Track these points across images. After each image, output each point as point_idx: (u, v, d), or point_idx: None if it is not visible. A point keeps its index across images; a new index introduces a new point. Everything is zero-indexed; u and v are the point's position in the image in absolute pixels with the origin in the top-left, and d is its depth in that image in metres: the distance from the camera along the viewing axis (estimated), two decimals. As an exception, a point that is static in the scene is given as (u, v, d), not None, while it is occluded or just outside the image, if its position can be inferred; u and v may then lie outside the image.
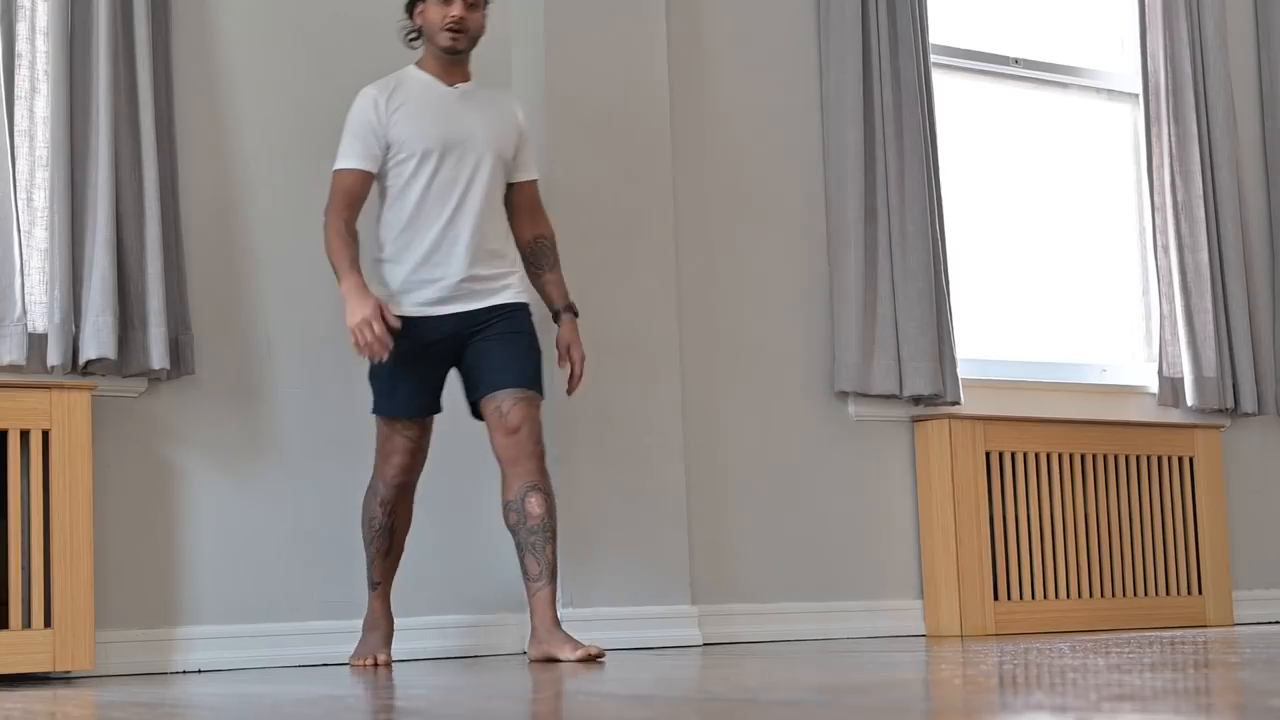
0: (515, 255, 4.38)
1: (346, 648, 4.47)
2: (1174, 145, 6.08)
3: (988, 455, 5.46)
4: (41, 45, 4.35)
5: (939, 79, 5.71)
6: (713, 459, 5.15)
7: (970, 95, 5.94)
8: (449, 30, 4.27)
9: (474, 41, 4.34)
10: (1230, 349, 6.06)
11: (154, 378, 4.37)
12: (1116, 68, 6.25)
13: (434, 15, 4.29)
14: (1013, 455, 5.52)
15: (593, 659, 4.04)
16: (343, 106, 4.70)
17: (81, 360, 4.22)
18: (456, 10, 4.27)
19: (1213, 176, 6.13)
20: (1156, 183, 6.08)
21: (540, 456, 4.22)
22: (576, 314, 4.43)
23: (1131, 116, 6.26)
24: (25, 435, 4.11)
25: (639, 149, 5.00)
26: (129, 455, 4.37)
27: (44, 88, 4.33)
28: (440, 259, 4.24)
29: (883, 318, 5.37)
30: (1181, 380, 5.98)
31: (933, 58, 5.64)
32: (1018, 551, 5.49)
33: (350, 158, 4.27)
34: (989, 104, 6.00)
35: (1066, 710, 2.03)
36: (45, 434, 4.11)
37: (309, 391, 4.61)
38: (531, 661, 4.16)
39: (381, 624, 4.36)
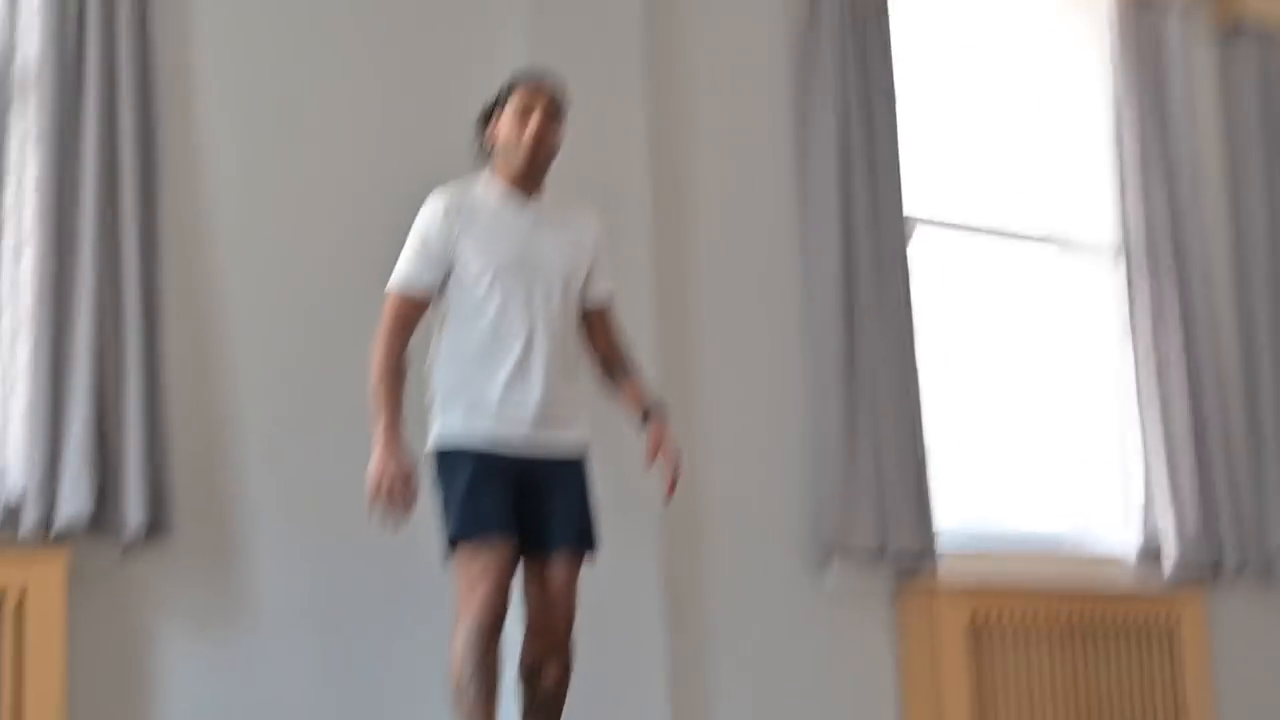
0: (583, 379, 4.22)
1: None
2: (1152, 306, 6.11)
3: (969, 625, 5.40)
4: (29, 201, 4.33)
5: (919, 243, 5.74)
6: (694, 623, 5.09)
7: (949, 258, 5.96)
8: (526, 148, 4.09)
9: (552, 157, 4.16)
10: (1212, 510, 6.04)
11: (132, 538, 4.31)
12: (1094, 230, 6.29)
13: (510, 129, 4.12)
14: (995, 626, 5.46)
15: None
16: (330, 266, 4.71)
17: (58, 523, 4.17)
18: (536, 125, 4.10)
19: (1191, 336, 6.15)
20: (1134, 343, 6.09)
21: (572, 623, 4.06)
22: (665, 413, 4.24)
23: (1109, 277, 6.28)
24: (-1, 599, 4.05)
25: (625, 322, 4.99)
26: (104, 621, 4.30)
27: (30, 245, 4.32)
28: (516, 385, 4.03)
29: (865, 477, 5.34)
30: (1163, 545, 5.94)
31: (911, 223, 5.67)
32: (1001, 721, 5.43)
33: (412, 276, 4.06)
34: (968, 266, 6.02)
35: None
36: (20, 599, 4.05)
37: (289, 553, 4.55)
38: None
39: None
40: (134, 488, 4.25)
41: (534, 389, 4.04)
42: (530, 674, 4.07)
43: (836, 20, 5.54)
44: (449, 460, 4.05)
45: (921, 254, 5.79)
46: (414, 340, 4.10)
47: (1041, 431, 6.09)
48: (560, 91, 4.19)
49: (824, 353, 5.40)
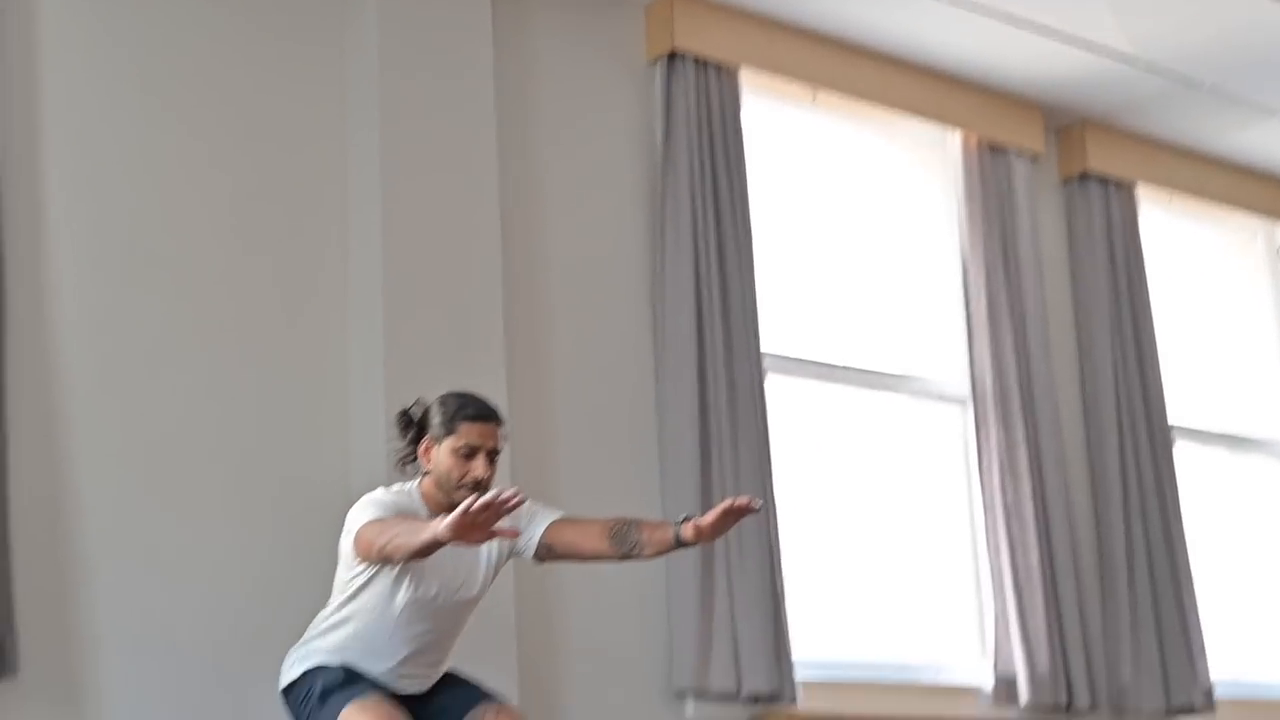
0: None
1: None
2: (1002, 448, 6.24)
3: (827, 757, 5.44)
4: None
5: (773, 380, 5.82)
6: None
7: (803, 397, 6.05)
8: (465, 489, 3.98)
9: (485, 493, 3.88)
10: (1063, 646, 6.14)
11: (-24, 681, 4.25)
12: (944, 374, 6.42)
13: (449, 465, 4.05)
14: (851, 757, 5.50)
15: None
16: (174, 391, 4.68)
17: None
18: (479, 471, 4.04)
19: (1041, 478, 6.28)
20: (986, 484, 6.23)
21: None
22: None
23: (961, 419, 6.41)
24: None
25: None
26: (-53, 762, 4.23)
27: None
28: (391, 676, 4.08)
29: (720, 615, 5.37)
30: (1015, 679, 6.03)
31: (766, 361, 5.76)
32: None
33: (376, 514, 3.99)
34: (822, 406, 6.12)
35: None
36: None
37: (139, 692, 4.50)
38: None
39: None
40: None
41: (409, 682, 4.11)
42: None
43: (690, 162, 5.64)
44: (309, 675, 4.08)
45: (777, 393, 5.88)
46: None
47: (897, 569, 6.16)
48: (503, 427, 4.17)
49: (680, 492, 5.44)
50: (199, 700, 4.56)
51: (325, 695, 4.00)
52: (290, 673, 4.12)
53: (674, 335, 5.54)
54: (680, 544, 4.10)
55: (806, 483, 5.99)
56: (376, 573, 4.05)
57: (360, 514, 4.03)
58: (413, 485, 4.15)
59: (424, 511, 4.08)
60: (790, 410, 5.99)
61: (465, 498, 3.78)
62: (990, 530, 6.19)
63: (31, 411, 4.50)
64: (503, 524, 3.76)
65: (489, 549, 4.17)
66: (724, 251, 5.66)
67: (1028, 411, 6.31)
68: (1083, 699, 6.13)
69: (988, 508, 6.21)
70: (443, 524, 3.68)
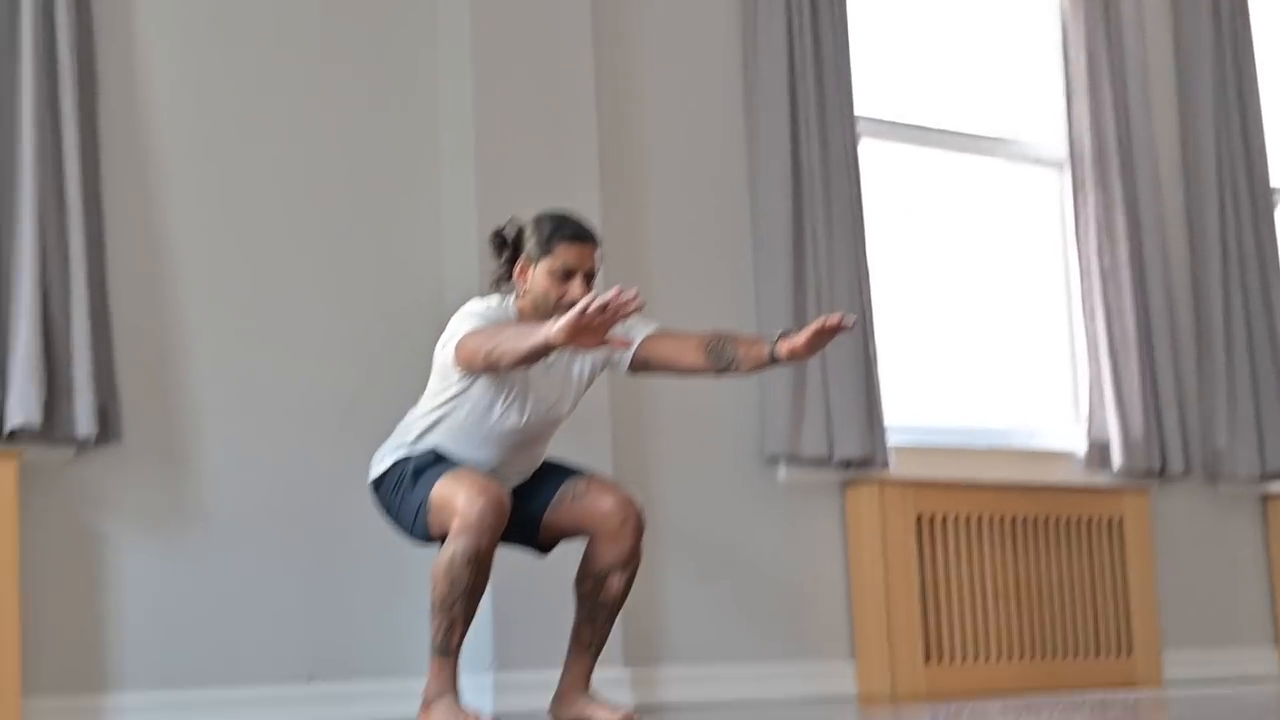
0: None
1: (278, 713, 4.45)
2: (1099, 211, 6.16)
3: (918, 519, 5.49)
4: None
5: (867, 145, 5.76)
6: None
7: (898, 161, 5.99)
8: (564, 310, 3.79)
9: None
10: (1157, 412, 6.12)
11: (82, 444, 4.34)
12: (1042, 136, 6.33)
13: (545, 286, 3.99)
14: (943, 519, 5.55)
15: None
16: (269, 176, 4.73)
17: (7, 428, 4.19)
18: (576, 292, 3.95)
19: (1139, 242, 6.20)
20: (1083, 248, 6.16)
21: (642, 531, 4.08)
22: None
23: (1057, 183, 6.34)
24: (-49, 503, 4.08)
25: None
26: (56, 521, 4.33)
27: (-31, 157, 4.32)
28: (485, 466, 4.06)
29: (813, 382, 5.39)
30: (1109, 444, 6.03)
31: (860, 125, 5.69)
32: (949, 614, 5.52)
33: (478, 323, 3.95)
34: (917, 171, 6.06)
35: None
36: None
37: (239, 456, 4.59)
38: None
39: (455, 687, 3.95)
40: (82, 398, 4.25)
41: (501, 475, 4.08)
42: (594, 581, 4.09)
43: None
44: (399, 463, 4.07)
45: (872, 158, 5.82)
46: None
47: (991, 334, 6.14)
48: (599, 248, 4.09)
49: (773, 260, 5.42)
50: (294, 465, 4.65)
51: (418, 473, 4.02)
52: (379, 466, 4.14)
53: (767, 100, 5.47)
54: (775, 361, 4.05)
55: (900, 248, 5.95)
56: (471, 385, 4.02)
57: (461, 324, 3.99)
58: (509, 300, 4.10)
59: None
60: (884, 175, 5.92)
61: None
62: (1086, 295, 6.14)
63: (128, 187, 4.54)
64: (615, 331, 3.72)
65: (581, 365, 4.15)
66: (818, 11, 5.55)
67: (1126, 174, 6.21)
68: (1176, 464, 6.13)
69: (1084, 272, 6.16)
70: (555, 326, 3.63)
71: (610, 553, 4.07)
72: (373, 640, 4.68)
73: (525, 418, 4.07)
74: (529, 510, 4.11)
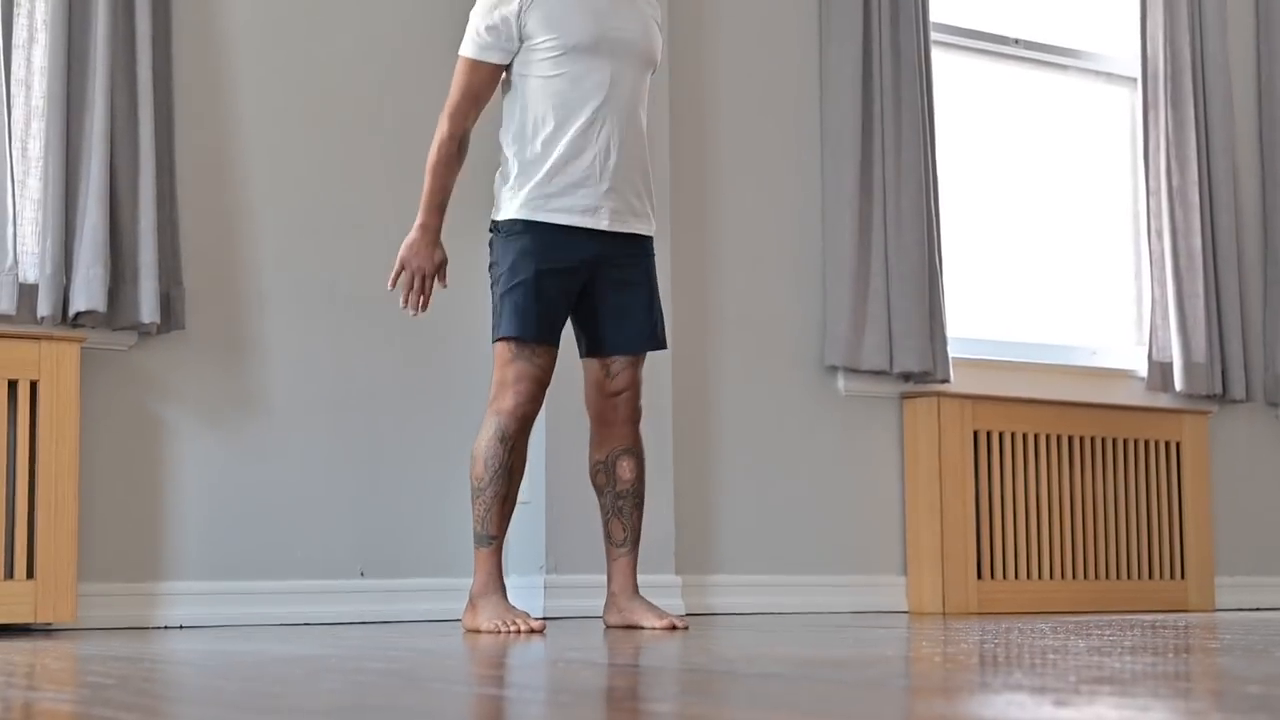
0: (650, 182, 4.13)
1: (329, 608, 4.49)
2: (1171, 131, 6.08)
3: (975, 434, 5.47)
4: (40, -5, 4.33)
5: (938, 56, 5.71)
6: (700, 429, 5.16)
7: (969, 74, 5.94)
8: None
9: None
10: (1220, 336, 6.08)
11: (144, 331, 4.36)
12: (1116, 51, 6.25)
13: None
14: (1000, 435, 5.53)
15: (675, 628, 3.98)
16: (340, 66, 4.72)
17: (72, 312, 4.22)
18: None
19: (1208, 163, 6.13)
20: (1152, 167, 6.09)
21: (637, 421, 4.09)
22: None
23: (1129, 101, 6.27)
24: (13, 385, 4.11)
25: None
26: (117, 408, 4.36)
27: (42, 37, 4.32)
28: (586, 164, 3.94)
29: (875, 293, 5.37)
30: (1171, 365, 6.00)
31: (933, 35, 5.64)
32: (1002, 531, 5.51)
33: (480, 47, 3.94)
34: (988, 83, 6.00)
35: (1045, 691, 2.03)
36: (33, 385, 4.11)
37: (300, 348, 4.61)
38: (609, 627, 4.11)
39: (500, 584, 3.98)
40: (147, 284, 4.27)
41: (605, 175, 3.98)
42: (605, 471, 4.11)
43: None
44: (511, 237, 4.00)
45: (944, 70, 5.76)
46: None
47: (1056, 251, 6.10)
48: None
49: (840, 166, 5.38)
50: (355, 360, 4.66)
51: (505, 294, 3.97)
52: (502, 208, 4.03)
53: (839, 6, 5.41)
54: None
55: (968, 160, 5.89)
56: (554, 55, 3.95)
57: (469, 42, 3.97)
58: None
59: None
60: (956, 86, 5.86)
61: None
62: (1153, 214, 6.08)
63: (198, 74, 4.53)
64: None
65: (648, 28, 4.08)
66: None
67: (1199, 93, 6.13)
68: (1238, 389, 6.09)
69: (1152, 191, 6.09)
70: (414, 230, 3.99)
71: (610, 439, 4.09)
72: (425, 538, 4.71)
73: (602, 35, 3.98)
74: (596, 334, 4.06)
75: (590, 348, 4.10)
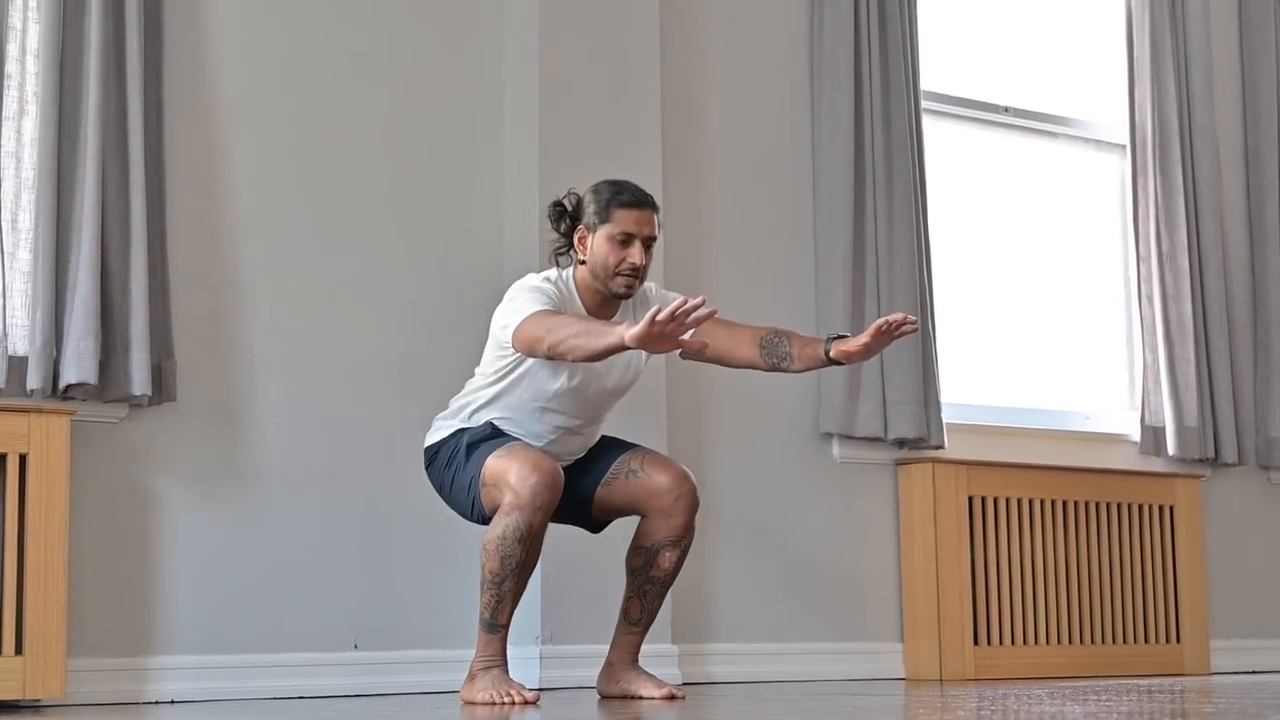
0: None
1: (323, 681, 4.45)
2: (1160, 196, 6.11)
3: (970, 500, 5.46)
4: (31, 66, 4.34)
5: (929, 124, 5.73)
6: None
7: (960, 141, 5.97)
8: (625, 275, 3.98)
9: (643, 282, 4.06)
10: (1212, 399, 6.08)
11: (135, 403, 4.34)
12: (1104, 118, 6.29)
13: (605, 252, 3.98)
14: (995, 500, 5.52)
15: (674, 698, 3.99)
16: (335, 137, 4.72)
17: (62, 384, 4.19)
18: (636, 258, 3.98)
19: (1198, 228, 6.16)
20: (1142, 233, 6.11)
21: (696, 508, 4.07)
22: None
23: (1119, 167, 6.30)
24: (2, 459, 4.08)
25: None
26: (108, 481, 4.33)
27: (33, 109, 4.32)
28: (540, 441, 4.05)
29: (869, 360, 5.35)
30: (1163, 429, 6.00)
31: (924, 103, 5.66)
32: (998, 596, 5.49)
33: (537, 304, 3.90)
34: (978, 150, 6.03)
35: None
36: (23, 458, 4.08)
37: (293, 419, 4.59)
38: (604, 697, 4.11)
39: (502, 660, 3.99)
40: (137, 356, 4.25)
41: (559, 454, 4.08)
42: (645, 556, 4.08)
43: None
44: (456, 434, 4.07)
45: (934, 138, 5.78)
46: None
47: (1048, 316, 6.11)
48: (658, 214, 4.08)
49: (833, 236, 5.39)
50: (348, 430, 4.64)
51: (471, 448, 4.01)
52: (435, 435, 4.13)
53: (831, 68, 5.44)
54: (829, 361, 4.04)
55: (960, 227, 5.91)
56: (530, 360, 4.01)
57: (520, 304, 3.93)
58: (568, 273, 4.08)
59: (578, 301, 4.04)
60: (947, 154, 5.89)
61: (622, 286, 3.92)
62: (1144, 279, 6.09)
63: (190, 144, 4.54)
64: (685, 336, 3.73)
65: (637, 360, 4.13)
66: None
67: (1187, 160, 6.16)
68: (1230, 453, 6.09)
69: (1142, 257, 6.10)
70: (629, 333, 3.63)
71: (663, 528, 4.05)
72: (419, 609, 4.67)
73: (586, 391, 4.05)
74: (582, 487, 4.10)
75: (592, 502, 4.12)
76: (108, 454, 4.34)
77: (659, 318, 3.57)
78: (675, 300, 3.66)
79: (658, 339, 3.63)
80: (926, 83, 5.71)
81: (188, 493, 4.44)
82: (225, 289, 4.55)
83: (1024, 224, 6.11)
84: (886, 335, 3.93)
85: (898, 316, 3.92)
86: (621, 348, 3.70)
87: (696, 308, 3.59)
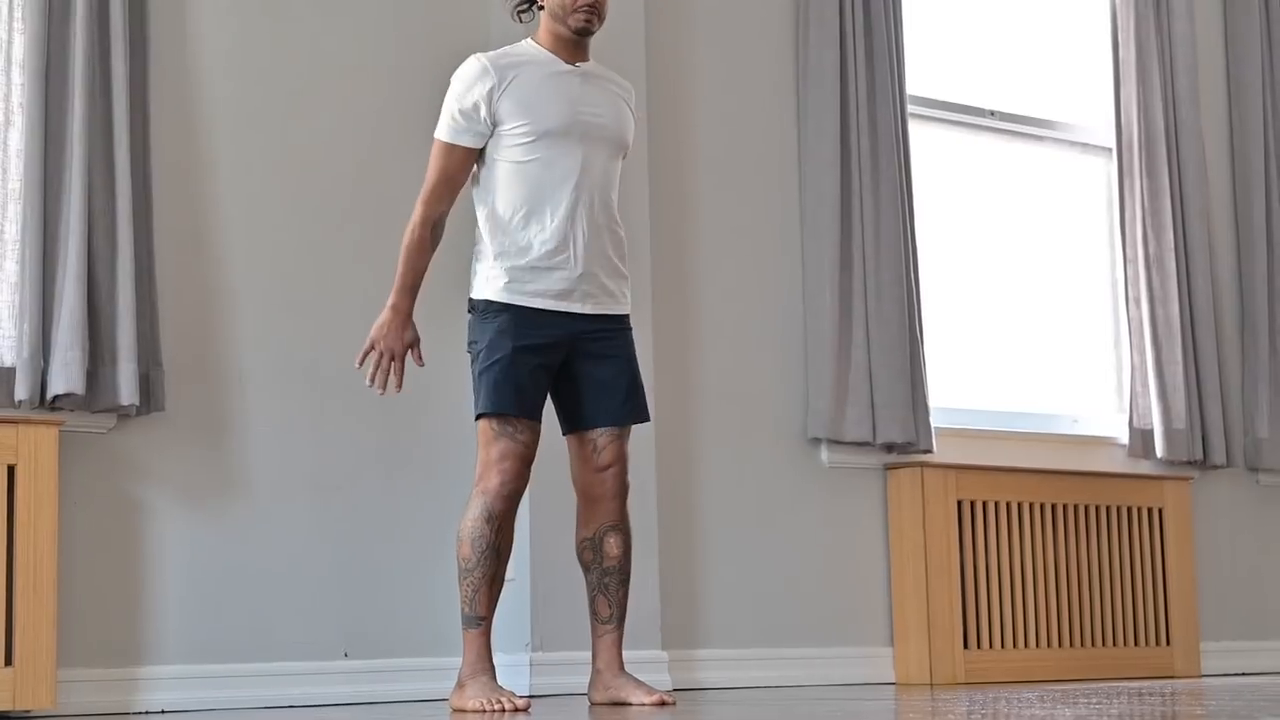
0: (625, 261, 4.16)
1: (314, 690, 4.45)
2: (1146, 199, 6.12)
3: (959, 504, 5.46)
4: (17, 78, 4.34)
5: (915, 129, 5.74)
6: (684, 504, 5.14)
7: (946, 145, 5.98)
8: (582, 11, 3.99)
9: (603, 20, 4.06)
10: (1200, 401, 6.09)
11: (123, 413, 4.34)
12: (1090, 121, 6.30)
13: None
14: (984, 504, 5.52)
15: (664, 704, 3.97)
16: (317, 147, 4.72)
17: (50, 395, 4.19)
18: None
19: (1184, 231, 6.17)
20: (1128, 235, 6.12)
21: (624, 496, 4.07)
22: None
23: (1105, 170, 6.31)
24: (-9, 470, 4.08)
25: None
26: (96, 491, 4.33)
27: (18, 120, 4.32)
28: (560, 248, 3.98)
29: (857, 365, 5.38)
30: (1151, 432, 6.01)
31: (910, 108, 5.67)
32: (988, 600, 5.49)
33: (454, 131, 4.00)
34: (965, 155, 6.04)
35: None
36: (11, 469, 4.08)
37: (281, 428, 4.58)
38: (594, 705, 4.09)
39: (489, 665, 3.97)
40: (125, 367, 4.24)
41: (578, 260, 4.01)
42: (592, 548, 4.09)
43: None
44: (488, 316, 4.01)
45: (921, 142, 5.79)
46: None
47: (1036, 319, 6.12)
48: None
49: (820, 240, 5.40)
50: (336, 439, 4.64)
51: (483, 372, 3.98)
52: (478, 288, 4.06)
53: (817, 74, 5.45)
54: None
55: (947, 231, 5.92)
56: (526, 142, 3.99)
57: (441, 125, 4.05)
58: (526, 41, 4.10)
59: (542, 54, 4.04)
60: (933, 157, 5.90)
61: (581, 20, 4.00)
62: (1131, 282, 6.10)
63: (176, 155, 4.54)
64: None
65: (620, 112, 4.13)
66: (869, -7, 5.54)
67: (1174, 162, 6.17)
68: (1218, 454, 6.10)
69: (1129, 259, 6.12)
70: (385, 312, 4.02)
71: (598, 515, 4.07)
72: (409, 617, 4.67)
73: (588, 132, 4.02)
74: (587, 407, 4.06)
75: (572, 424, 4.10)
76: (96, 464, 4.33)
77: (378, 363, 4.04)
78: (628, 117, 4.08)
79: (370, 348, 4.04)
80: (912, 87, 5.73)
81: (177, 502, 4.43)
82: (213, 298, 4.55)
83: (1011, 227, 6.12)
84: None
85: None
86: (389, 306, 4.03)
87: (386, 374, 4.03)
